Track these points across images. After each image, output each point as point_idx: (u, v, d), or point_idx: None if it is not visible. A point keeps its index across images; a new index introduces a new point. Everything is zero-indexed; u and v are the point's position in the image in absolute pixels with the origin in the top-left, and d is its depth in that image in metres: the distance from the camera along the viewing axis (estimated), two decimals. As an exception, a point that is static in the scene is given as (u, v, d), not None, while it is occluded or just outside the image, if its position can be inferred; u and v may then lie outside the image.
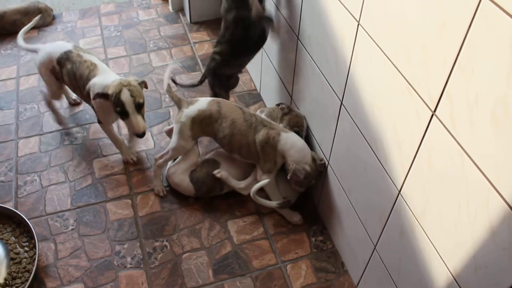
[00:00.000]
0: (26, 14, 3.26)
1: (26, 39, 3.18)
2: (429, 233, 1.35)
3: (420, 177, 1.33)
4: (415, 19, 1.21)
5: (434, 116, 1.21)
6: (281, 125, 2.15)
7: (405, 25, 1.25)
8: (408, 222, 1.44)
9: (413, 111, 1.29)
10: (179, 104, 2.18)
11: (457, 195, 1.18)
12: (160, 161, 2.24)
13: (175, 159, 2.28)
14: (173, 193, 2.29)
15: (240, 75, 2.72)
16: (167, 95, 2.77)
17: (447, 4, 1.08)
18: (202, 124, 2.12)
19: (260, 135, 2.04)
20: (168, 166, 2.29)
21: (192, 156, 2.24)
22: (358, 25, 1.49)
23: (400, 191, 1.45)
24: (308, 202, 2.25)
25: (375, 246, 1.71)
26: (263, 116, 2.18)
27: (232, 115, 2.09)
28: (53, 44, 2.37)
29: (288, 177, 2.03)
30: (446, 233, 1.27)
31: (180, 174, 2.23)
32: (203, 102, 2.14)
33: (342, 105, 1.71)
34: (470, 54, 1.04)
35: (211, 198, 2.26)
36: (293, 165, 2.00)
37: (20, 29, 3.22)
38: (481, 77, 1.02)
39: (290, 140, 2.03)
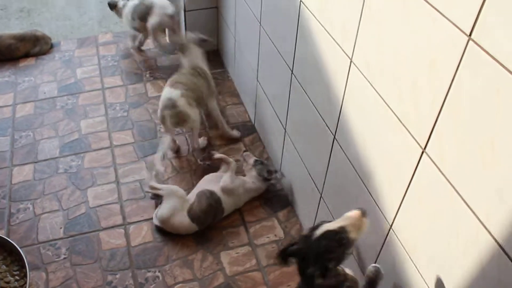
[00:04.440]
0: (22, 40, 3.31)
1: (23, 67, 3.23)
2: (420, 268, 1.36)
3: (411, 213, 1.36)
4: (405, 58, 1.25)
5: (424, 153, 1.24)
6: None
7: (395, 64, 1.29)
8: (400, 256, 1.46)
9: (403, 147, 1.32)
10: None
11: (447, 231, 1.20)
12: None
13: (161, 202, 2.26)
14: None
15: (234, 107, 2.75)
16: (161, 125, 2.80)
17: (436, 45, 1.12)
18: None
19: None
20: (156, 212, 2.26)
21: (178, 192, 2.25)
22: (350, 62, 1.53)
23: (391, 226, 1.47)
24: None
25: (367, 280, 1.72)
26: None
27: None
28: None
29: None
30: (436, 268, 1.28)
31: (177, 215, 2.20)
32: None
33: (335, 140, 1.74)
34: (459, 94, 1.08)
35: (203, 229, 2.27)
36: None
37: (16, 54, 3.28)
38: (470, 116, 1.06)
39: None
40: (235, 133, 2.73)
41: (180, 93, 2.39)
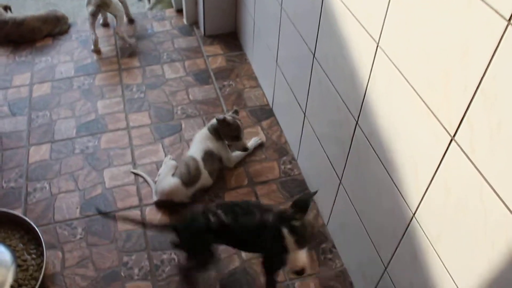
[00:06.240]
0: (45, 22, 3.30)
1: (40, 48, 3.22)
2: (443, 258, 1.34)
3: (436, 202, 1.33)
4: (436, 44, 1.21)
5: (453, 141, 1.21)
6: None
7: (426, 50, 1.25)
8: (422, 246, 1.43)
9: (431, 135, 1.29)
10: None
11: (474, 222, 1.18)
12: None
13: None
14: (181, 205, 2.28)
15: (252, 90, 2.73)
16: (179, 107, 2.78)
17: (471, 31, 1.08)
18: None
19: None
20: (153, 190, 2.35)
21: (169, 163, 2.38)
22: (377, 46, 1.49)
23: (414, 214, 1.44)
24: (318, 219, 2.24)
25: (385, 268, 1.70)
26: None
27: None
28: None
29: None
30: (461, 259, 1.26)
31: (163, 179, 2.27)
32: None
33: (357, 125, 1.71)
34: (494, 81, 1.04)
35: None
36: None
37: (38, 36, 3.27)
38: (505, 104, 1.02)
39: None
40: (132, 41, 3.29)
41: None
